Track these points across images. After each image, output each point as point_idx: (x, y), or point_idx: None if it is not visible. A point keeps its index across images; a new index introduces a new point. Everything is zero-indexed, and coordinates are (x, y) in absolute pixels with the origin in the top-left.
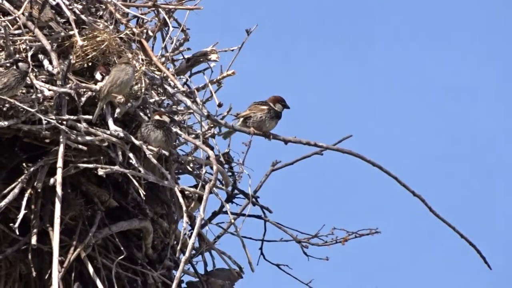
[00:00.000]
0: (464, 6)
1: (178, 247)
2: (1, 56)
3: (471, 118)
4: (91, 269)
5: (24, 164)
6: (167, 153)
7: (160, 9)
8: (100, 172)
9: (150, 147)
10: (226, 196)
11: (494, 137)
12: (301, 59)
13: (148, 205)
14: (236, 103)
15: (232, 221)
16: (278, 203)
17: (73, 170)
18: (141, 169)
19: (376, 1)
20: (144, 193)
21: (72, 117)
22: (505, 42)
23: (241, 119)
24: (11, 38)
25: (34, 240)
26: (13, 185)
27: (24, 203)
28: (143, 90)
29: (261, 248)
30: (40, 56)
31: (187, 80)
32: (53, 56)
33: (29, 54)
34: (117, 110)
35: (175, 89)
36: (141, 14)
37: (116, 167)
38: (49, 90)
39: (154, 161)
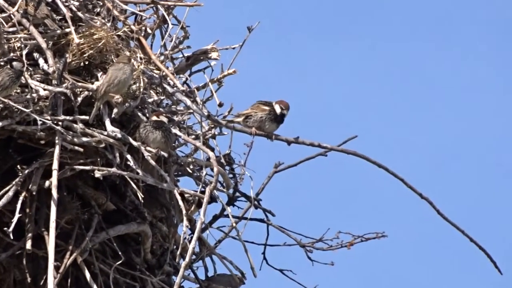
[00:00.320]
0: (468, 3)
1: (178, 252)
2: None
3: (482, 116)
4: (88, 275)
5: (18, 166)
6: (166, 155)
7: (159, 6)
8: (97, 174)
9: (148, 148)
10: (228, 199)
11: (504, 137)
12: (304, 58)
13: (146, 209)
14: (237, 102)
15: (234, 224)
16: (281, 206)
17: (69, 172)
18: (139, 171)
19: None
20: (143, 196)
21: (68, 117)
22: None
23: (242, 117)
24: (5, 36)
25: (28, 245)
26: (7, 188)
27: (18, 206)
28: (141, 90)
29: (263, 253)
30: (35, 55)
31: (186, 79)
32: (49, 54)
33: (24, 52)
34: (115, 110)
35: (175, 88)
36: (140, 11)
37: (114, 169)
38: (45, 89)
39: (153, 162)
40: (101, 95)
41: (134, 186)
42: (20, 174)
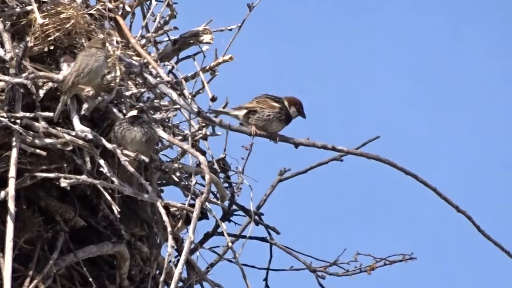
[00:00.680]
0: None
1: (161, 278)
2: None
3: None
4: None
5: None
6: (147, 159)
7: None
8: (63, 183)
9: (126, 151)
10: (222, 213)
11: None
12: (315, 40)
13: (123, 225)
14: (233, 96)
15: (230, 244)
16: (287, 222)
17: (29, 180)
18: (114, 179)
19: None
20: (119, 210)
21: (28, 114)
22: None
23: (243, 111)
24: None
25: None
26: None
27: None
28: (117, 81)
29: (265, 279)
30: None
31: (173, 67)
32: (6, 37)
33: None
34: (85, 106)
35: (158, 79)
36: None
37: (83, 177)
38: (0, 80)
39: (131, 169)
40: (68, 87)
41: (109, 198)
42: None
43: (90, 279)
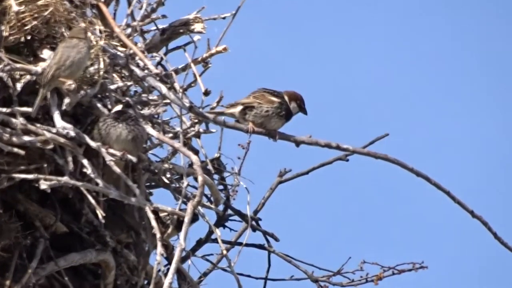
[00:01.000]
0: None
1: None
2: None
3: None
4: None
5: None
6: (134, 159)
7: None
8: (43, 185)
9: (111, 150)
10: (216, 218)
11: None
12: (316, 30)
13: (108, 231)
14: (228, 90)
15: (224, 252)
16: (287, 228)
17: (6, 182)
18: (99, 181)
19: None
20: (104, 215)
21: (4, 109)
22: None
23: (239, 107)
24: None
25: None
26: None
27: None
28: (101, 73)
29: None
30: None
31: (161, 59)
32: None
33: None
34: (66, 101)
35: (146, 71)
36: None
37: (65, 178)
38: None
39: (117, 170)
40: (48, 81)
41: (93, 201)
42: None
43: None
